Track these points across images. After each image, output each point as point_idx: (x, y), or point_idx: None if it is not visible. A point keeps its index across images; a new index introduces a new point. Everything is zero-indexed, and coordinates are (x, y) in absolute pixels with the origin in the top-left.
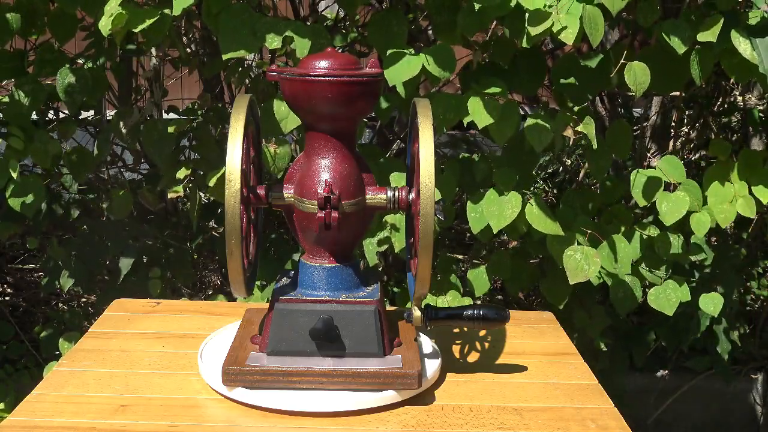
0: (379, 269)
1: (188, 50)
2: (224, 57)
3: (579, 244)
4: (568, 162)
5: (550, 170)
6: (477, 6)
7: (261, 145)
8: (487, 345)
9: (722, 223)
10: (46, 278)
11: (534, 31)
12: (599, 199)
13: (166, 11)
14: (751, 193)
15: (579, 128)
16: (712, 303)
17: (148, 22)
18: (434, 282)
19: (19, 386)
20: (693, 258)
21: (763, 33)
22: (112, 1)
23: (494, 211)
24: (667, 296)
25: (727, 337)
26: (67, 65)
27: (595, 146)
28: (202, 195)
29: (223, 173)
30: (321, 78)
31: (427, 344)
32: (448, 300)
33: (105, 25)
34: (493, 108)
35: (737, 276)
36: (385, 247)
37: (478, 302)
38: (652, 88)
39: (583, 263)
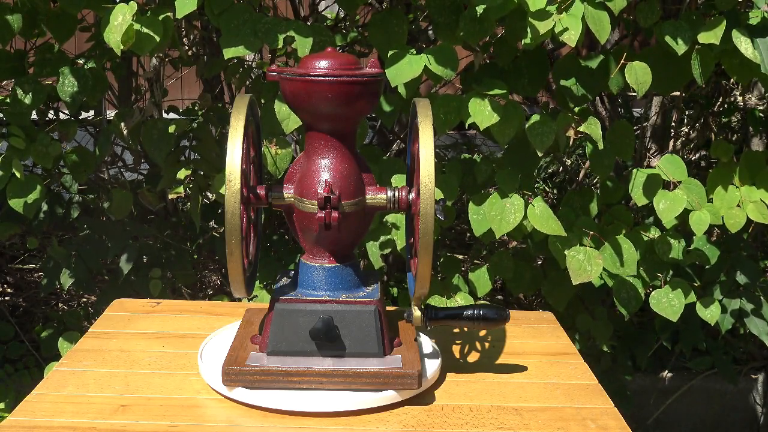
0: (384, 270)
1: (188, 51)
2: (226, 56)
3: (581, 245)
4: (568, 162)
5: (550, 170)
6: (479, 10)
7: (261, 145)
8: (487, 345)
9: (732, 228)
10: (46, 278)
11: (539, 30)
12: (600, 200)
13: (168, 15)
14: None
15: (581, 128)
16: (709, 311)
17: (157, 39)
18: (440, 284)
19: (19, 386)
20: (695, 261)
21: (763, 33)
22: (118, 11)
23: (496, 215)
24: (669, 301)
25: (765, 319)
26: (67, 66)
27: (601, 146)
28: (210, 195)
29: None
30: (321, 78)
31: (427, 344)
32: (459, 302)
33: (117, 44)
34: (495, 109)
35: (755, 264)
36: (389, 250)
37: (479, 302)
38: (653, 88)
39: (585, 264)
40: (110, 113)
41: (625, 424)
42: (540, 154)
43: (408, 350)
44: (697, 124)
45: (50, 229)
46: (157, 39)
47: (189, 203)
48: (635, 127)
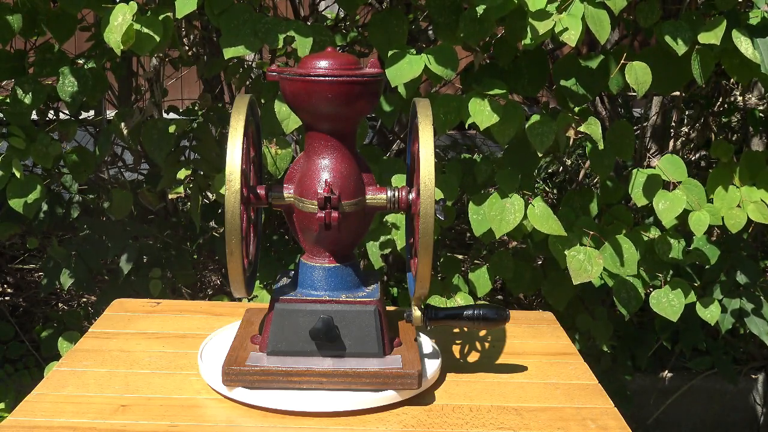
0: (384, 270)
1: (188, 51)
2: (226, 56)
3: (582, 245)
4: (568, 162)
5: (550, 170)
6: (479, 10)
7: (261, 145)
8: (487, 345)
9: (732, 229)
10: (46, 278)
11: (539, 30)
12: (600, 200)
13: (168, 15)
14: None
15: (582, 128)
16: (709, 311)
17: (157, 39)
18: (440, 284)
19: (19, 386)
20: (695, 261)
21: (764, 33)
22: (118, 11)
23: (496, 215)
24: (669, 301)
25: (765, 319)
26: (67, 66)
27: (601, 146)
28: (210, 195)
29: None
30: (321, 78)
31: (427, 344)
32: (459, 302)
33: (117, 44)
34: (495, 109)
35: (755, 264)
36: (389, 250)
37: (479, 302)
38: (653, 88)
39: (586, 264)
40: (110, 113)
41: (625, 424)
42: (540, 154)
43: (408, 350)
44: (697, 124)
45: (50, 229)
46: (157, 39)
47: (189, 203)
48: (635, 127)
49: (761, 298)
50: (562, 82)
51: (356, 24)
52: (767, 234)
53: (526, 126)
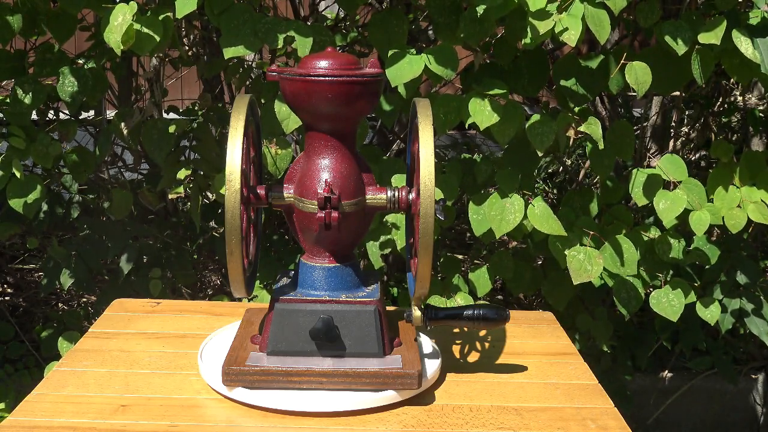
0: (384, 270)
1: (188, 51)
2: (226, 56)
3: (582, 244)
4: (568, 162)
5: (550, 170)
6: (480, 10)
7: (261, 145)
8: (487, 345)
9: (732, 229)
10: (46, 278)
11: (539, 30)
12: (600, 200)
13: (168, 15)
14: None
15: (582, 128)
16: (709, 311)
17: (157, 39)
18: (440, 284)
19: (19, 386)
20: (695, 261)
21: (763, 33)
22: (118, 11)
23: (496, 215)
24: (669, 301)
25: (765, 319)
26: (67, 66)
27: (602, 146)
28: (210, 195)
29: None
30: (321, 78)
31: (427, 344)
32: (459, 302)
33: (117, 44)
34: (495, 109)
35: (755, 264)
36: (389, 250)
37: (479, 302)
38: (653, 88)
39: (586, 264)
40: (110, 113)
41: (625, 424)
42: (540, 154)
43: (408, 350)
44: (697, 124)
45: (50, 229)
46: (157, 39)
47: (189, 203)
48: (635, 127)
49: (761, 298)
50: (562, 82)
51: (356, 24)
52: (767, 234)
53: (526, 126)
